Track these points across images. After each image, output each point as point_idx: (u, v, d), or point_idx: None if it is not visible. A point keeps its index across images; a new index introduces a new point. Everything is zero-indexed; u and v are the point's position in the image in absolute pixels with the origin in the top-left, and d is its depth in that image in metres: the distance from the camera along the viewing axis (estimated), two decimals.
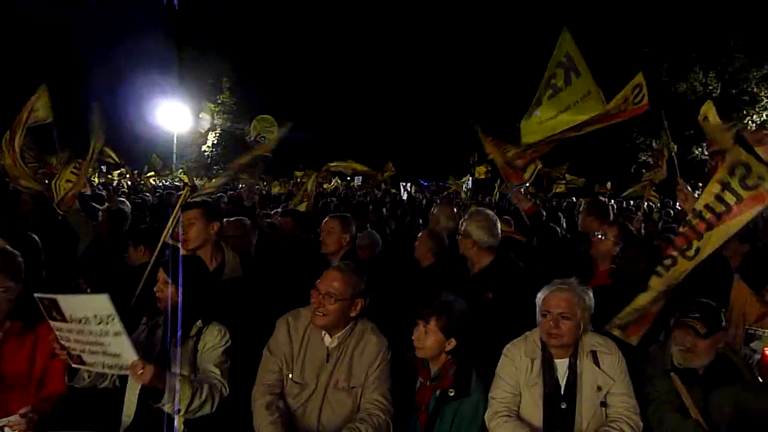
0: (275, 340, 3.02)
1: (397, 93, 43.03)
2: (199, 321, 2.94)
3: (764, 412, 2.80)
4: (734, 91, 32.81)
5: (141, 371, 2.52)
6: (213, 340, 2.90)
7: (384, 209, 9.51)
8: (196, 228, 3.68)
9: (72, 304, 2.58)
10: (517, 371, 2.93)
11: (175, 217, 3.86)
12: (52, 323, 2.68)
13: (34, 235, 3.64)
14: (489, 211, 4.21)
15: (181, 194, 4.15)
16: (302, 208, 7.39)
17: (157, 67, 42.83)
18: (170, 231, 3.93)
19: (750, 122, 32.27)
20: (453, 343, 2.96)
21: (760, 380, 3.05)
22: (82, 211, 5.87)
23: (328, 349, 2.94)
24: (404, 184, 21.22)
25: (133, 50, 44.63)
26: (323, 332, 2.97)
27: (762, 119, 32.32)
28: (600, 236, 4.26)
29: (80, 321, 2.57)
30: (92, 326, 2.55)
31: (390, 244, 6.53)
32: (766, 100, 32.29)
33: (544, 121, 5.17)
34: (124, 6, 46.40)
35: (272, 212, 7.72)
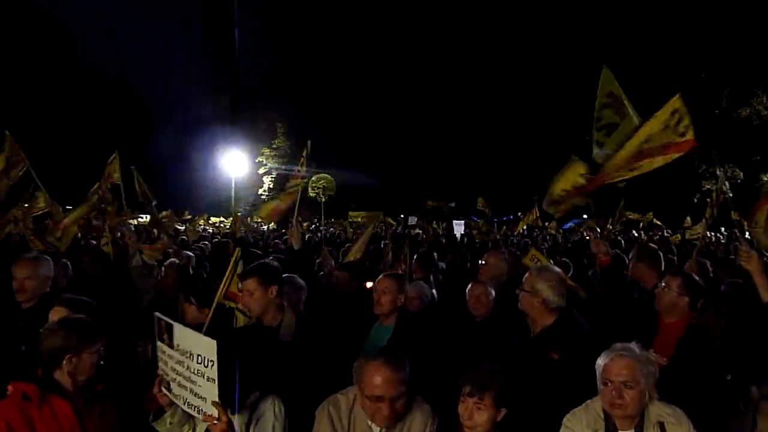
0: None
1: (448, 131, 43.23)
2: (257, 392, 2.93)
3: None
4: None
5: (217, 421, 2.58)
6: (268, 414, 2.89)
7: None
8: (255, 297, 3.74)
9: (183, 334, 2.74)
10: None
11: (227, 278, 3.96)
12: (159, 343, 2.85)
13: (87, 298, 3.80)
14: (557, 269, 4.04)
15: (233, 253, 4.22)
16: (357, 253, 7.34)
17: (215, 116, 44.98)
18: (224, 291, 4.01)
19: None
20: (503, 413, 2.84)
21: None
22: (142, 266, 6.07)
23: None
24: (458, 222, 20.99)
25: (192, 99, 46.83)
26: (369, 419, 2.88)
27: None
28: (663, 287, 4.06)
29: (184, 353, 2.71)
30: (193, 363, 2.67)
31: (443, 290, 6.43)
32: None
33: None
34: (183, 57, 48.89)
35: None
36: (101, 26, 48.38)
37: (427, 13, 43.65)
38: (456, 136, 43.05)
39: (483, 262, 5.60)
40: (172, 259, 6.57)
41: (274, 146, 44.58)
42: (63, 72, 42.87)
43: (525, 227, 19.65)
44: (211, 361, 2.58)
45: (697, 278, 4.18)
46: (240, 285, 3.94)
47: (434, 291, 5.78)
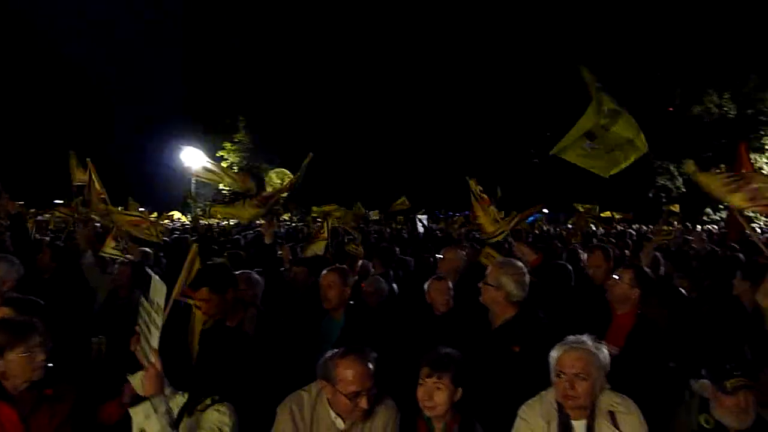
0: (277, 431, 2.91)
1: (411, 127, 43.28)
2: (209, 399, 2.89)
3: None
4: (750, 111, 32.56)
5: (152, 368, 2.62)
6: (216, 419, 2.84)
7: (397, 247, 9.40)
8: (212, 304, 3.75)
9: (155, 285, 2.74)
10: None
11: (185, 274, 3.89)
12: (143, 300, 2.84)
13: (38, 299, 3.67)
14: (519, 262, 4.08)
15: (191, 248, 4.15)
16: (318, 249, 7.30)
17: (174, 109, 43.92)
18: (181, 288, 3.93)
19: None
20: (460, 393, 2.90)
21: None
22: (96, 265, 5.91)
23: (343, 430, 2.87)
24: (419, 217, 21.07)
25: (150, 92, 45.62)
26: (333, 414, 2.88)
27: None
28: (615, 279, 4.16)
29: (152, 303, 2.73)
30: (153, 311, 2.70)
31: (407, 285, 6.44)
32: None
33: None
34: (141, 50, 47.48)
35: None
36: (59, 16, 46.12)
37: (393, 4, 43.50)
38: (418, 132, 43.10)
39: (440, 256, 5.65)
40: (127, 256, 6.42)
41: (236, 140, 43.85)
42: (19, 62, 41.27)
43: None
44: (159, 305, 2.64)
45: (648, 271, 4.30)
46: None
47: (395, 286, 5.80)
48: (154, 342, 2.66)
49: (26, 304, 3.51)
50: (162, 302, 2.65)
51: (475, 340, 3.83)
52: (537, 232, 18.10)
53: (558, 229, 19.24)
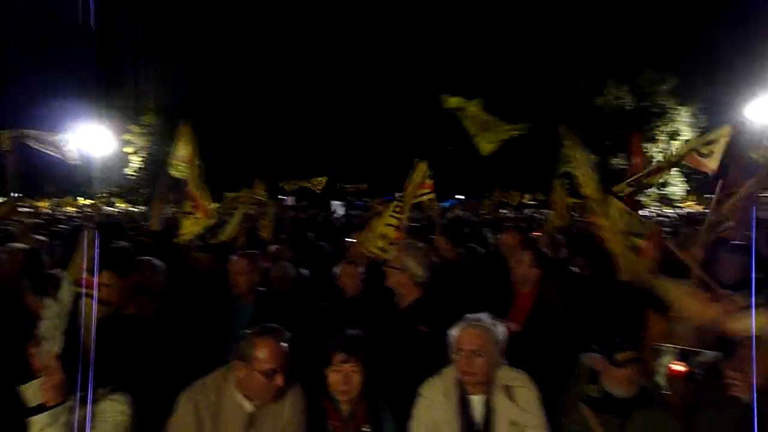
0: (178, 421, 2.77)
1: (324, 110, 42.94)
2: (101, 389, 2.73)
3: (674, 430, 2.90)
4: (645, 103, 34.91)
5: (53, 375, 2.50)
6: (111, 412, 2.72)
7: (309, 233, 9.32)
8: (113, 289, 3.53)
9: (64, 288, 2.68)
10: (433, 410, 2.90)
11: (77, 263, 3.64)
12: (48, 301, 2.69)
13: None
14: (421, 244, 4.19)
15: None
16: (224, 236, 7.08)
17: (77, 89, 41.02)
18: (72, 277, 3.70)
19: (660, 132, 34.48)
20: (366, 373, 2.91)
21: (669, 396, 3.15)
22: None
23: (250, 415, 2.79)
24: (335, 202, 21.12)
25: (52, 71, 42.25)
26: (240, 397, 2.80)
27: (671, 129, 34.55)
28: (517, 260, 4.33)
29: (60, 304, 2.64)
30: (59, 314, 2.61)
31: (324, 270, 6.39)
32: (673, 112, 34.54)
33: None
34: (44, 26, 43.76)
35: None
36: None
37: None
38: (335, 116, 42.92)
39: (350, 241, 5.69)
40: (16, 244, 5.96)
41: (144, 123, 41.63)
42: None
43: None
44: (67, 308, 2.58)
45: (546, 251, 4.51)
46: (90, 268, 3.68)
47: (305, 270, 5.75)
48: (57, 347, 2.53)
49: None
50: (68, 305, 2.56)
51: (383, 322, 3.88)
52: (450, 217, 18.57)
53: (470, 215, 19.84)
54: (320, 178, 15.10)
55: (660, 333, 3.55)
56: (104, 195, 27.24)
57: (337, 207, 20.60)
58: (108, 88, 40.85)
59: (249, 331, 2.87)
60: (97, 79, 41.48)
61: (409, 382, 3.14)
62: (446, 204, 23.93)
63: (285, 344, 2.80)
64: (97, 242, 3.78)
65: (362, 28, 42.02)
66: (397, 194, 6.82)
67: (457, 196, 33.80)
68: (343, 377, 2.87)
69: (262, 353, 2.73)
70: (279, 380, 2.74)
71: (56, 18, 41.80)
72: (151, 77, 41.09)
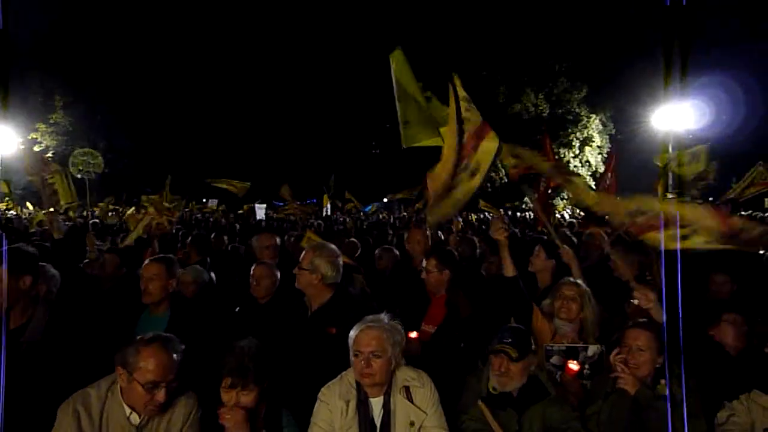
0: None
1: (249, 112, 42.00)
2: None
3: (567, 423, 3.03)
4: (560, 111, 36.56)
5: None
6: None
7: (225, 236, 9.08)
8: (2, 288, 3.19)
9: None
10: (331, 415, 2.87)
11: None
12: None
13: None
14: (332, 245, 4.09)
15: None
16: (131, 239, 6.76)
17: None
18: None
19: (575, 138, 36.21)
20: (264, 386, 2.83)
21: (565, 392, 3.30)
22: None
23: (137, 427, 2.66)
24: (258, 205, 20.71)
25: None
26: (128, 410, 2.66)
27: (584, 136, 36.37)
28: (423, 269, 4.35)
29: None
30: None
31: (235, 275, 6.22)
32: (586, 119, 36.36)
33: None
34: None
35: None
36: None
37: None
38: (256, 119, 41.99)
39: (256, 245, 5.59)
40: None
41: (52, 121, 39.10)
42: None
43: (328, 209, 20.14)
44: None
45: (450, 249, 4.59)
46: None
47: (212, 274, 5.57)
48: None
49: None
50: None
51: (293, 325, 3.82)
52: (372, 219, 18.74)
53: (391, 217, 20.08)
54: (245, 183, 14.76)
55: (544, 331, 3.71)
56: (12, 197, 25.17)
57: (258, 210, 20.20)
58: (12, 84, 38.02)
59: (139, 337, 2.73)
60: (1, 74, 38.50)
61: (316, 385, 3.10)
62: (368, 208, 24.02)
63: (175, 356, 2.66)
64: None
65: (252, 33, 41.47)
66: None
67: (385, 200, 33.97)
68: (231, 399, 2.77)
69: (146, 364, 2.60)
70: (160, 395, 2.60)
71: None
72: (60, 73, 38.64)
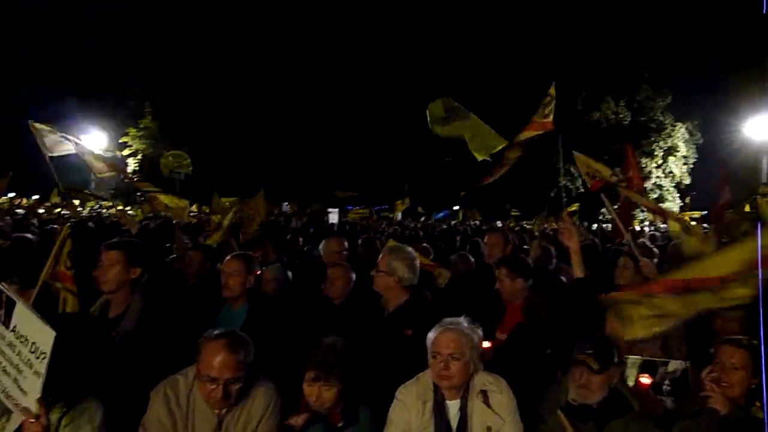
0: (151, 418, 2.73)
1: (323, 117, 42.96)
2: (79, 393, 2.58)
3: None
4: (643, 119, 35.07)
5: (34, 421, 2.34)
6: (83, 419, 2.54)
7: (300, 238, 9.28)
8: (114, 271, 3.45)
9: (25, 318, 2.44)
10: (408, 414, 2.87)
11: (53, 256, 3.65)
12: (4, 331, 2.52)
13: None
14: (409, 248, 4.13)
15: (62, 228, 3.94)
16: (212, 241, 7.04)
17: (76, 92, 40.76)
18: (50, 270, 3.71)
19: (657, 148, 34.61)
20: (344, 384, 2.89)
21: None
22: None
23: (218, 417, 2.76)
24: (331, 210, 21.18)
25: (52, 72, 41.89)
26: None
27: (668, 145, 34.69)
28: (497, 280, 4.31)
29: (19, 337, 2.43)
30: (25, 350, 2.38)
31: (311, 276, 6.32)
32: (671, 128, 34.68)
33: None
34: (40, 27, 43.41)
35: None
36: None
37: None
38: (329, 123, 42.91)
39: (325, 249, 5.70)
40: None
41: (142, 126, 41.62)
42: None
43: (399, 216, 20.27)
44: (43, 353, 2.31)
45: (523, 257, 4.50)
46: (68, 263, 3.72)
47: (289, 273, 5.72)
48: (36, 390, 2.34)
49: None
50: (47, 347, 2.30)
51: (369, 326, 3.86)
52: (444, 227, 18.67)
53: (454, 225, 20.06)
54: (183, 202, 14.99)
55: (625, 343, 3.55)
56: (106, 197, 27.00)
57: (331, 215, 20.68)
58: (107, 92, 40.76)
59: (211, 332, 2.82)
60: (97, 82, 41.30)
61: (392, 385, 3.11)
62: (440, 215, 24.01)
63: (241, 356, 2.70)
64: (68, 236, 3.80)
65: (358, 40, 42.29)
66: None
67: (455, 208, 33.79)
68: (314, 393, 2.84)
69: (208, 358, 2.67)
70: (217, 392, 2.65)
71: (58, 18, 41.66)
72: (150, 81, 41.05)
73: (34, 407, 2.35)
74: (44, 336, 2.32)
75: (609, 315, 3.41)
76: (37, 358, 2.34)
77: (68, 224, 4.26)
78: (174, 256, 6.23)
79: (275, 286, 5.07)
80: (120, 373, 3.00)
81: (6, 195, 21.12)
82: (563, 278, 5.80)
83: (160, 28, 41.83)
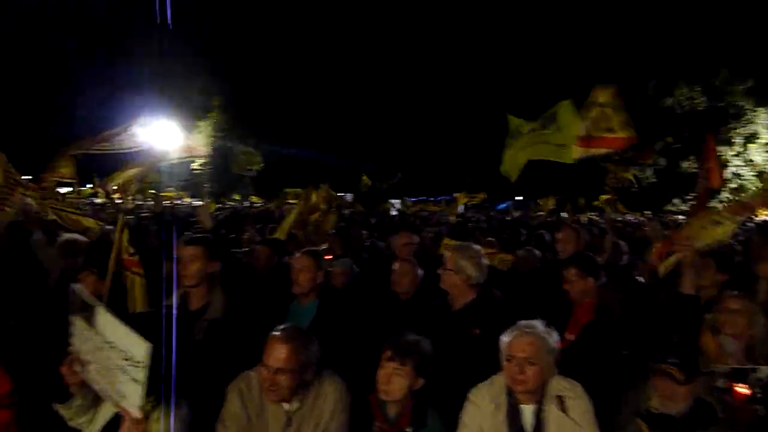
0: (228, 412, 2.84)
1: (385, 110, 43.16)
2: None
3: None
4: (720, 104, 33.16)
5: (136, 425, 2.43)
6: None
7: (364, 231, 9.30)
8: (196, 265, 3.55)
9: (109, 323, 2.49)
10: (481, 417, 2.84)
11: (116, 246, 3.83)
12: (74, 318, 2.62)
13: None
14: (476, 246, 4.11)
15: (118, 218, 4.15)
16: (280, 234, 7.17)
17: (146, 85, 42.53)
18: (115, 260, 3.90)
19: (736, 134, 32.66)
20: (421, 382, 2.89)
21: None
22: (46, 243, 5.71)
23: (288, 413, 2.83)
24: (393, 201, 21.17)
25: (121, 67, 43.87)
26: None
27: (749, 132, 32.65)
28: (564, 281, 4.13)
29: (108, 342, 2.49)
30: (115, 356, 2.45)
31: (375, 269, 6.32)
32: (751, 114, 32.62)
33: (517, 155, 5.37)
34: (112, 22, 45.36)
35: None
36: None
37: None
38: (392, 115, 43.13)
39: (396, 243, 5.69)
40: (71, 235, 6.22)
41: (210, 119, 43.00)
42: None
43: (462, 206, 20.06)
44: (139, 362, 2.36)
45: (591, 255, 4.33)
46: (130, 250, 3.96)
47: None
48: (137, 396, 2.39)
49: None
50: (142, 357, 2.33)
51: (436, 323, 3.83)
52: (508, 218, 18.33)
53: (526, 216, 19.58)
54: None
55: (712, 352, 3.38)
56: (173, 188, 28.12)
57: (393, 205, 20.60)
58: (177, 85, 42.29)
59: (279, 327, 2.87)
60: (168, 75, 42.85)
61: (459, 385, 3.09)
62: (502, 206, 23.55)
63: (301, 351, 2.75)
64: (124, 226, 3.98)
65: (418, 31, 42.25)
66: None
67: (516, 198, 33.17)
68: (386, 376, 2.86)
69: (269, 350, 2.75)
70: (268, 381, 2.71)
71: (129, 14, 43.41)
72: (218, 74, 42.33)
73: (137, 412, 2.42)
74: (139, 349, 2.36)
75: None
76: (133, 366, 2.38)
77: (123, 215, 4.50)
78: (245, 249, 6.40)
79: (344, 280, 5.13)
80: (207, 364, 3.10)
81: (84, 186, 22.27)
82: (638, 276, 5.61)
83: (231, 22, 42.93)
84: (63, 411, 2.73)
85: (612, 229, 6.95)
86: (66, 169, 7.43)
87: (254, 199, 24.23)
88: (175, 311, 3.39)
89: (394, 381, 2.85)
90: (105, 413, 2.74)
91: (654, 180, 32.87)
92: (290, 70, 42.58)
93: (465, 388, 3.04)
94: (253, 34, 42.79)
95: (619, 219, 20.41)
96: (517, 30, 38.22)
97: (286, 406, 2.83)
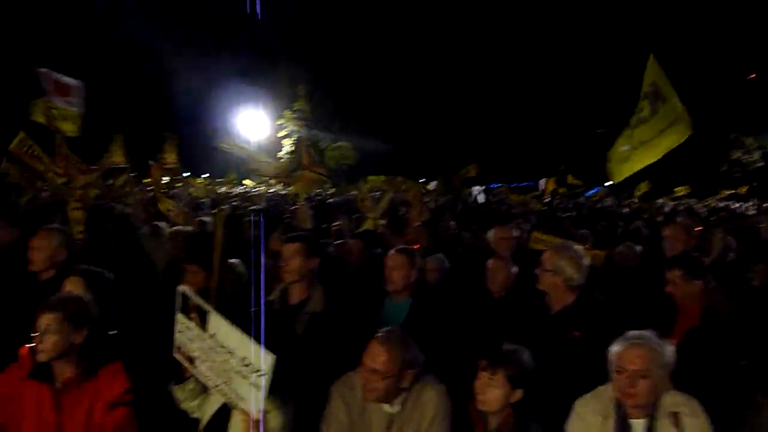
0: (332, 415, 2.92)
1: (472, 97, 42.53)
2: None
3: None
4: None
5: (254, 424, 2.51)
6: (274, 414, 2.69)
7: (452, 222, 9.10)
8: (294, 263, 3.67)
9: (224, 328, 2.57)
10: (588, 430, 2.74)
11: (219, 239, 3.93)
12: (181, 317, 2.73)
13: (108, 272, 3.67)
14: (576, 246, 3.93)
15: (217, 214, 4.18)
16: (369, 225, 7.22)
17: (234, 76, 44.04)
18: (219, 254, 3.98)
19: None
20: (518, 395, 2.82)
21: None
22: (152, 235, 6.00)
23: (390, 415, 2.86)
24: (476, 188, 20.39)
25: (210, 59, 45.48)
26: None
27: None
28: (668, 283, 3.88)
29: (222, 345, 2.57)
30: (235, 361, 2.53)
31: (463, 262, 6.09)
32: None
33: (631, 155, 5.02)
34: (201, 15, 46.70)
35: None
36: None
37: None
38: (476, 102, 42.39)
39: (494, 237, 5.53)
40: (177, 227, 6.50)
41: (296, 108, 44.26)
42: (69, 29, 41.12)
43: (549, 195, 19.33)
44: (259, 371, 2.43)
45: (697, 257, 4.04)
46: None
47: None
48: (257, 401, 2.47)
49: (95, 276, 3.54)
50: (265, 366, 2.39)
51: (533, 327, 3.73)
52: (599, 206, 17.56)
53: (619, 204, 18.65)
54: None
55: None
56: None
57: (477, 192, 19.65)
58: (266, 76, 43.60)
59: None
60: (257, 67, 44.23)
61: (560, 394, 2.99)
62: (593, 192, 22.23)
63: (400, 353, 2.76)
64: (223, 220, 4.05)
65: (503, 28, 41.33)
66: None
67: (606, 184, 31.57)
68: (480, 386, 2.81)
69: (371, 350, 2.78)
70: (364, 380, 2.75)
71: (218, 6, 44.66)
72: (302, 65, 43.32)
73: (256, 414, 2.51)
74: (259, 355, 2.42)
75: None
76: (254, 372, 2.44)
77: (222, 210, 4.65)
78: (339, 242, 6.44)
79: (436, 276, 5.10)
80: (309, 358, 3.19)
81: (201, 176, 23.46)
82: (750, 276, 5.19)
83: (316, 14, 43.55)
84: (177, 392, 2.92)
85: (721, 223, 6.48)
86: (118, 157, 8.27)
87: (248, 182, 24.67)
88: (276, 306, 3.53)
89: (488, 392, 2.80)
90: (214, 402, 2.89)
91: (762, 164, 30.40)
92: (374, 61, 42.71)
93: (566, 397, 2.94)
94: (340, 22, 43.27)
95: (721, 206, 19.09)
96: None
97: (387, 408, 2.86)
